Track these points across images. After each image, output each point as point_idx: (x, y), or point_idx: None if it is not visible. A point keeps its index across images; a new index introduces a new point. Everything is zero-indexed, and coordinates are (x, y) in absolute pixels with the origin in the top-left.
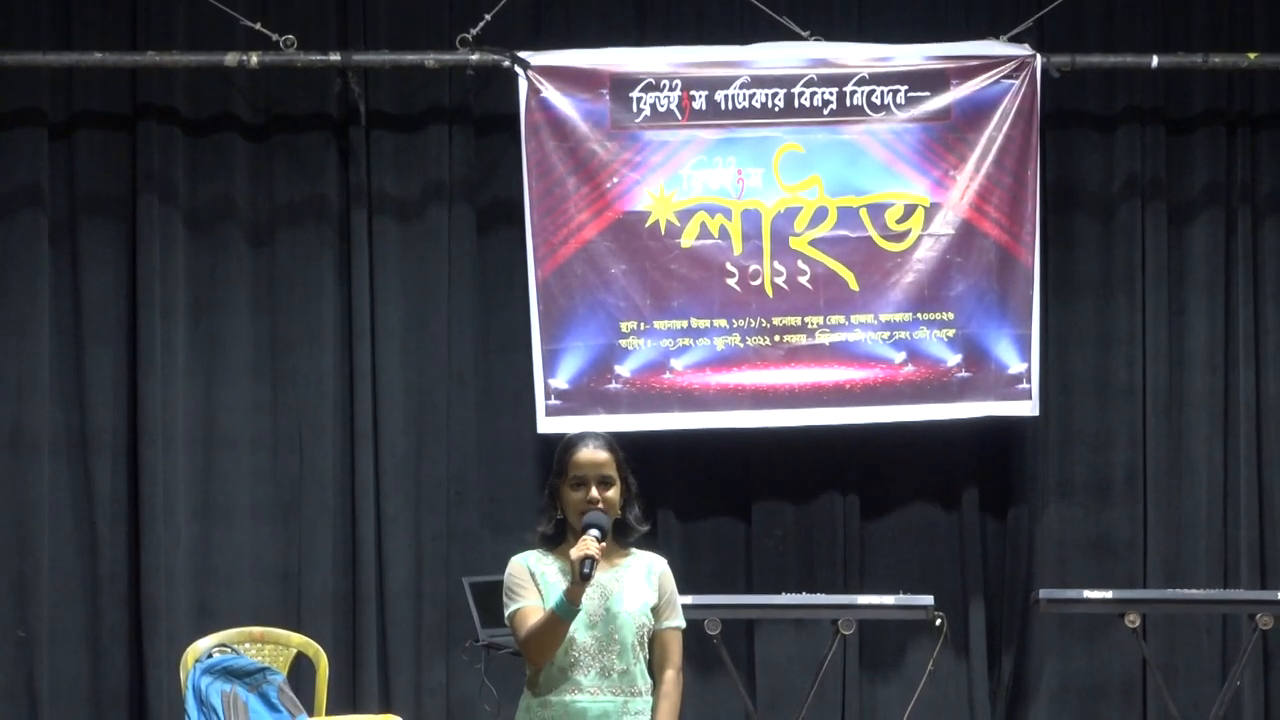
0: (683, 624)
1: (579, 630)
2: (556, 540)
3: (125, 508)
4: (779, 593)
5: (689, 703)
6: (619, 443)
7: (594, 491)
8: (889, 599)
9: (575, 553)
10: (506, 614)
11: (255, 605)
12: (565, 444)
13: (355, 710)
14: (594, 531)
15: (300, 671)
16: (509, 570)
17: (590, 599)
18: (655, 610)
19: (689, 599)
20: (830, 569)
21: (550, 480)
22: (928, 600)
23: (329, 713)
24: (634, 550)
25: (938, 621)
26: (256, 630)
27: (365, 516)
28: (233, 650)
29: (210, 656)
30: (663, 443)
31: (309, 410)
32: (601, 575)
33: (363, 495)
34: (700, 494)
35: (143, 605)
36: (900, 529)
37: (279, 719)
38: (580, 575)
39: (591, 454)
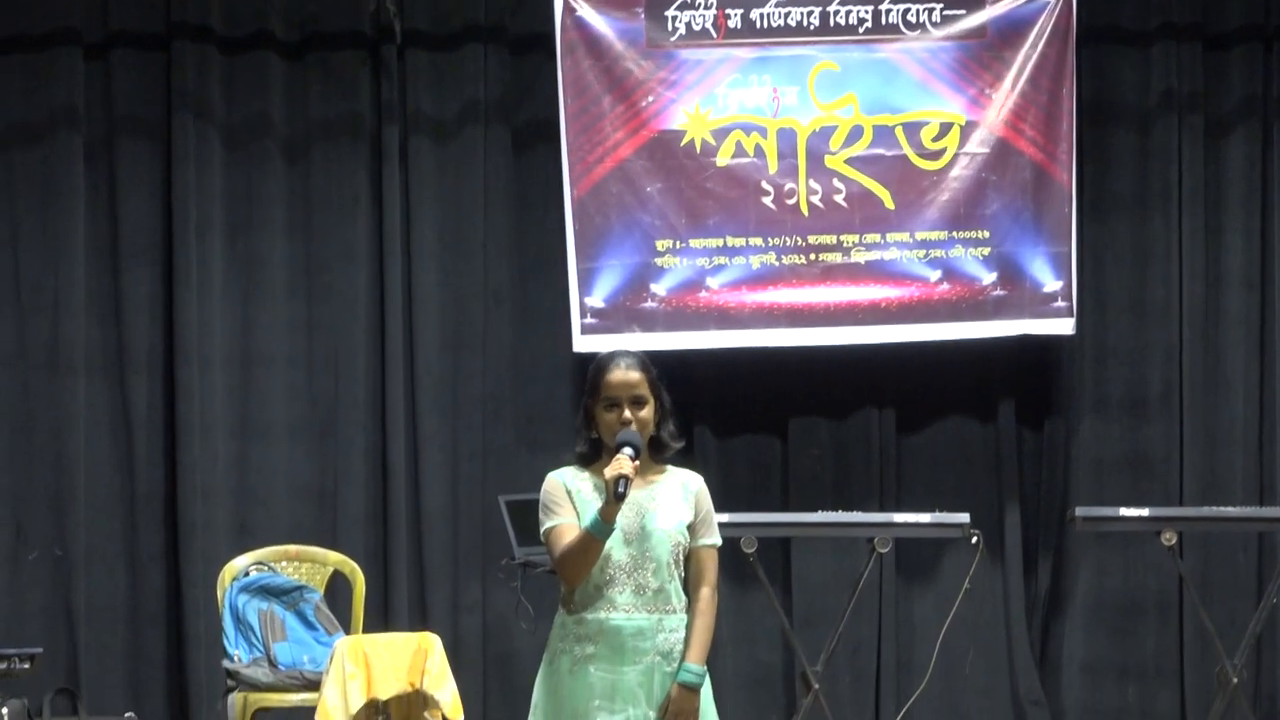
0: (718, 542)
1: (614, 548)
2: (592, 458)
3: (162, 427)
4: (815, 510)
5: (724, 620)
6: (652, 361)
7: (626, 412)
8: (925, 517)
9: (609, 472)
10: (542, 530)
11: (291, 524)
12: (597, 365)
13: (391, 628)
14: (627, 450)
15: (336, 589)
16: (545, 487)
17: (625, 516)
18: (691, 528)
19: (725, 517)
20: (866, 486)
21: (584, 400)
22: (964, 518)
23: (366, 630)
24: (670, 467)
25: (974, 539)
26: (293, 548)
27: (400, 435)
28: (269, 568)
29: (247, 575)
30: (698, 361)
31: (344, 329)
32: (637, 492)
33: (397, 414)
34: (736, 411)
35: (179, 524)
36: (936, 445)
37: (316, 636)
38: (614, 494)
39: (623, 375)
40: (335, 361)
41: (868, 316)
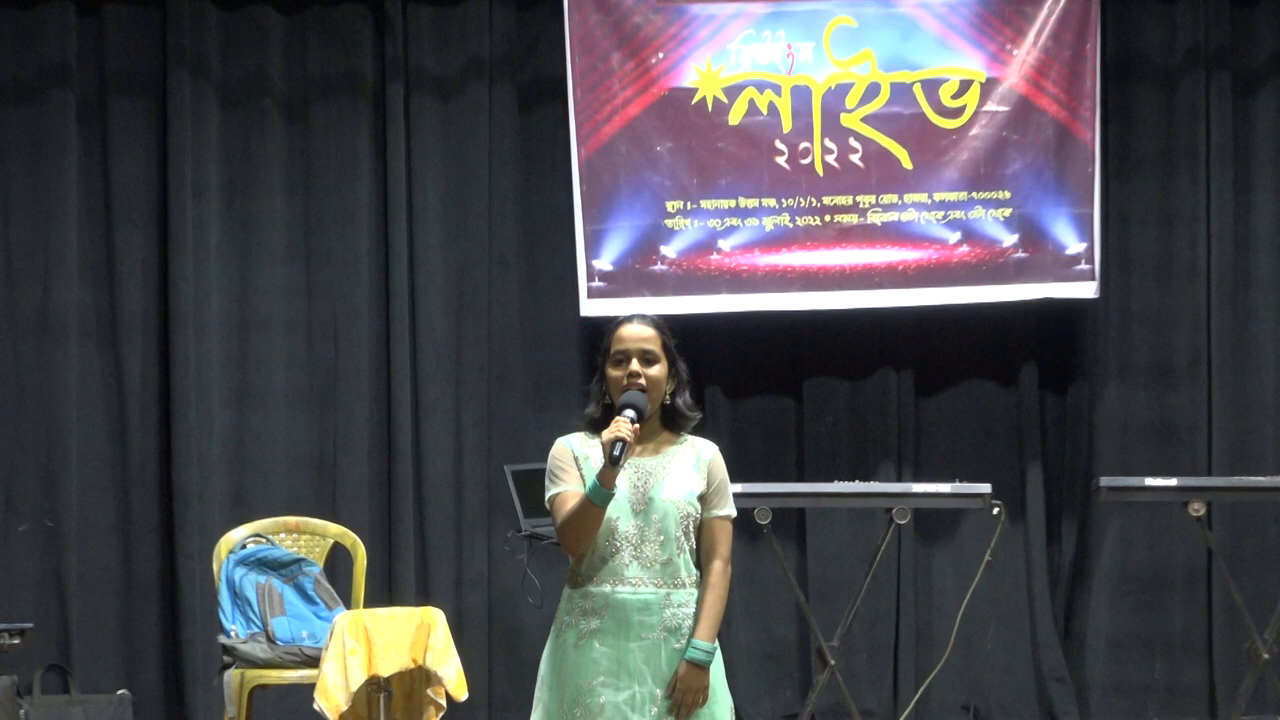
0: (732, 513)
1: (621, 518)
2: (603, 423)
3: (156, 393)
4: (831, 479)
5: (736, 594)
6: (666, 322)
7: (635, 364)
8: (945, 487)
9: (607, 434)
10: (547, 497)
11: (290, 494)
12: (612, 325)
13: (393, 602)
14: (628, 412)
15: (337, 562)
16: (552, 452)
17: (633, 486)
18: (703, 498)
19: (738, 487)
20: (884, 453)
21: (598, 364)
22: (985, 488)
23: (367, 604)
24: (686, 437)
25: (995, 509)
26: (292, 520)
27: (403, 403)
28: (267, 540)
29: (244, 547)
30: (710, 325)
31: (344, 293)
32: (647, 461)
33: (400, 381)
34: (750, 374)
35: (174, 494)
36: (956, 412)
37: (315, 611)
38: (610, 458)
39: (635, 329)
40: (335, 327)
41: (885, 280)
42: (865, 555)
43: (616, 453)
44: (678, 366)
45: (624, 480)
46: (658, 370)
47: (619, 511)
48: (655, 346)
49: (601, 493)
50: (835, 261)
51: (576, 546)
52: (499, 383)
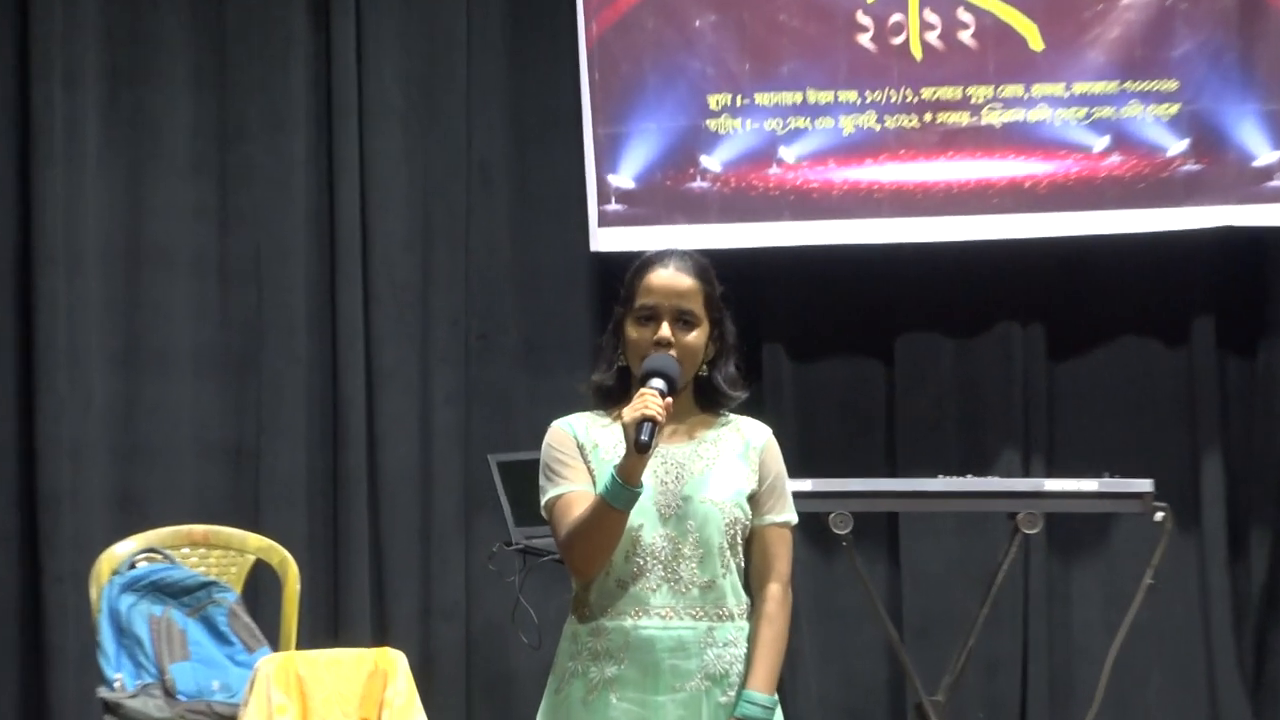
0: (794, 519)
1: (645, 527)
2: (618, 396)
3: (13, 355)
4: (933, 474)
5: (803, 629)
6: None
7: (665, 329)
8: (1089, 484)
9: (629, 413)
10: (544, 501)
11: (197, 494)
12: (639, 263)
13: (339, 641)
14: (656, 382)
15: (261, 587)
16: (548, 439)
17: (661, 482)
18: (754, 500)
19: (805, 484)
20: (1005, 437)
21: (615, 310)
22: (1145, 485)
23: (303, 643)
24: (729, 416)
25: (1159, 515)
26: (199, 529)
27: (352, 369)
28: (165, 558)
29: (133, 567)
30: (768, 263)
31: (272, 220)
32: (679, 449)
33: (348, 340)
34: (822, 328)
35: (38, 494)
36: (1105, 380)
37: (231, 653)
38: (636, 444)
39: (670, 277)
40: (259, 265)
41: (1007, 201)
42: (981, 577)
43: (645, 436)
44: (724, 328)
45: (649, 476)
46: (695, 336)
47: (642, 517)
48: (696, 305)
49: (625, 492)
50: (938, 177)
51: (588, 567)
52: (480, 343)
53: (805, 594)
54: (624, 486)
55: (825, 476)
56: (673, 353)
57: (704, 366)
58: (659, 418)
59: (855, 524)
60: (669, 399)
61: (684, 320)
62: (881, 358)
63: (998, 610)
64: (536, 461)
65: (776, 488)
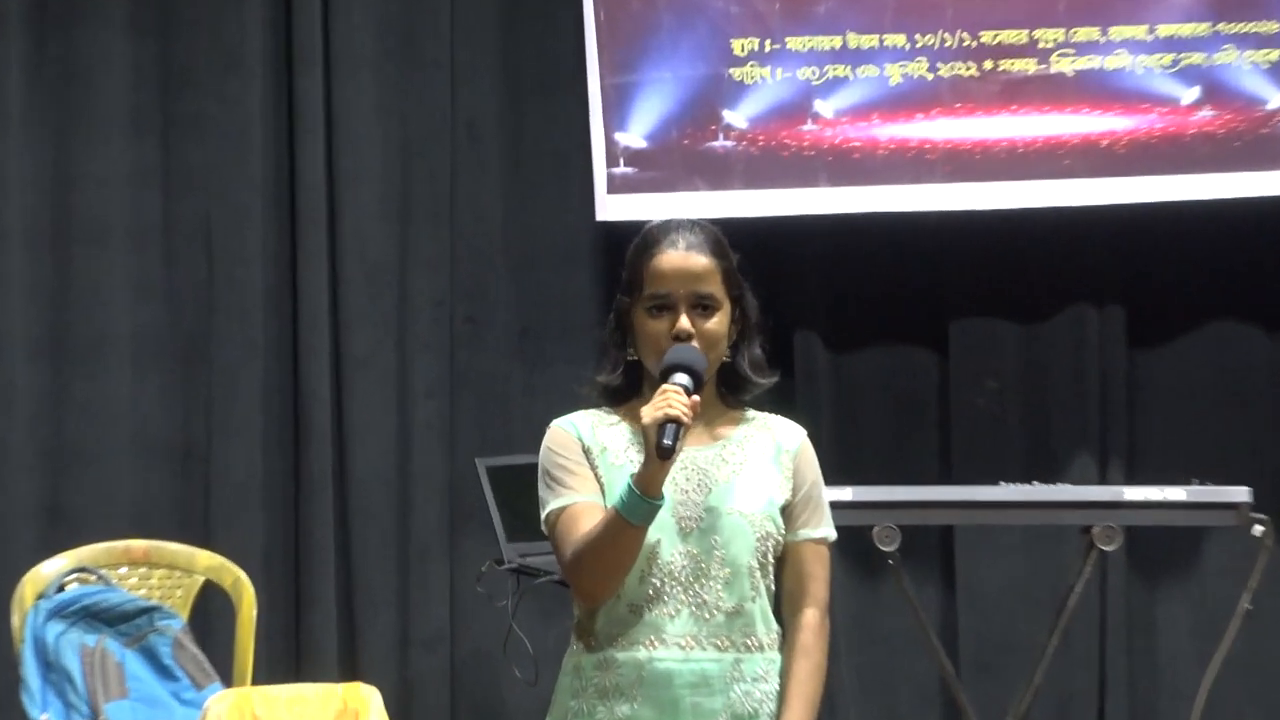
0: (832, 534)
1: (663, 542)
2: (625, 394)
3: None
4: (994, 481)
5: (842, 660)
6: (731, 238)
7: (684, 320)
8: (1177, 492)
9: (649, 413)
10: (544, 514)
11: (137, 505)
12: (641, 242)
13: (301, 675)
14: (680, 378)
15: (211, 613)
16: (548, 442)
17: (680, 490)
18: (787, 512)
19: (845, 492)
20: (1078, 438)
21: (617, 300)
22: (1242, 494)
23: (260, 678)
24: (752, 414)
25: (1257, 529)
26: (139, 546)
27: (317, 358)
28: (99, 579)
29: (62, 590)
30: (802, 235)
31: (224, 184)
32: (701, 454)
33: (313, 324)
34: (864, 312)
35: None
36: (1194, 372)
37: (176, 690)
38: (658, 449)
39: (681, 258)
40: (209, 237)
41: (1080, 163)
42: (1050, 601)
43: (669, 440)
44: (745, 306)
45: (667, 483)
46: (717, 321)
47: (659, 532)
48: (714, 286)
49: (644, 505)
50: (1000, 134)
51: (599, 591)
52: (468, 327)
53: (845, 621)
54: (643, 498)
55: (868, 484)
56: (694, 343)
57: (727, 350)
58: (685, 418)
59: (903, 539)
60: (695, 397)
61: (702, 304)
62: (933, 346)
63: (1069, 640)
64: (533, 466)
65: (812, 498)
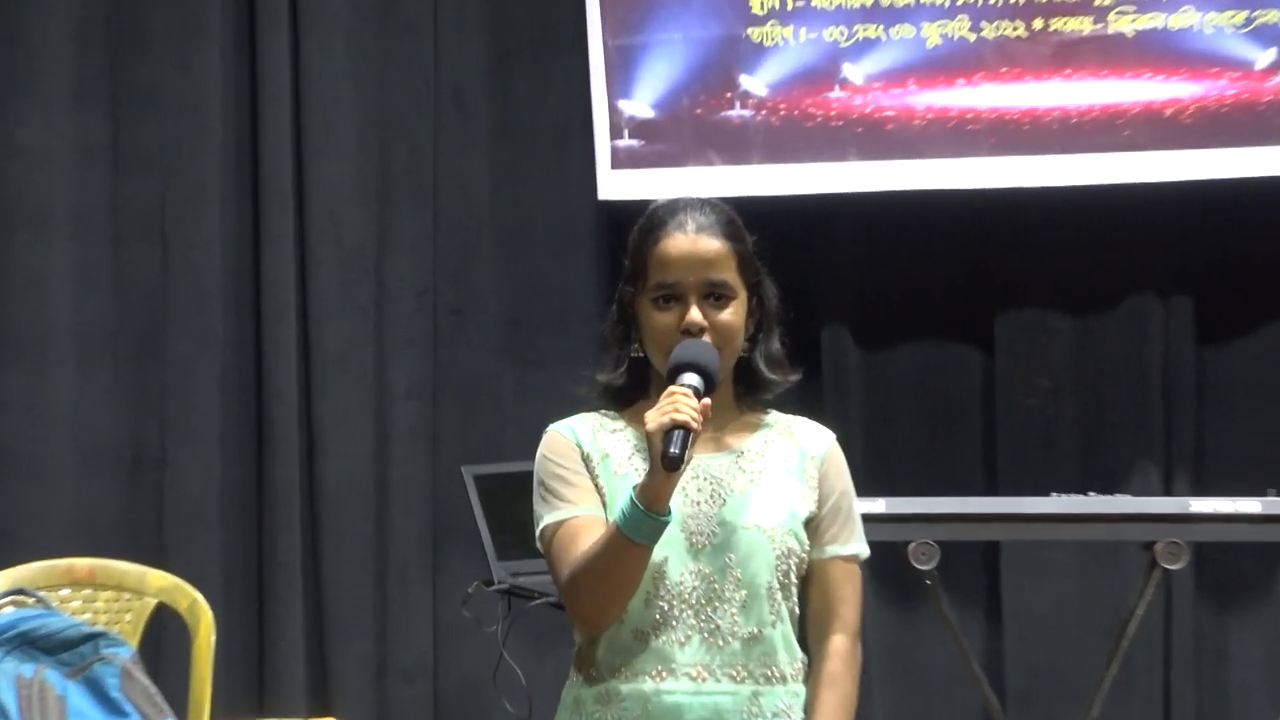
0: (864, 551)
1: (671, 562)
2: (630, 395)
3: None
4: (1045, 492)
5: (874, 693)
6: (746, 218)
7: (694, 312)
8: (1250, 504)
9: (654, 418)
10: (538, 530)
11: (82, 517)
12: (645, 224)
13: (265, 710)
14: (689, 378)
15: (165, 638)
16: (544, 449)
17: (691, 502)
18: (813, 526)
19: (877, 503)
20: (1141, 445)
21: (619, 289)
22: None
23: (219, 713)
24: (774, 416)
25: None
26: (83, 564)
27: (283, 353)
28: (39, 602)
29: None
30: (828, 216)
31: (180, 161)
32: (715, 461)
33: (278, 316)
34: (899, 303)
35: None
36: (1270, 369)
37: None
38: (665, 459)
39: (691, 242)
40: (163, 220)
41: (1141, 133)
42: (1107, 626)
43: (677, 449)
44: (763, 295)
45: (676, 494)
46: (732, 313)
47: (667, 549)
48: (729, 273)
49: (649, 521)
50: (1052, 102)
51: (599, 616)
52: (453, 320)
53: (877, 649)
54: (647, 514)
55: (903, 495)
56: (706, 338)
57: (744, 344)
58: (694, 424)
59: (942, 557)
60: (706, 400)
61: (714, 292)
62: (977, 342)
63: (1130, 670)
64: (525, 475)
65: (841, 509)
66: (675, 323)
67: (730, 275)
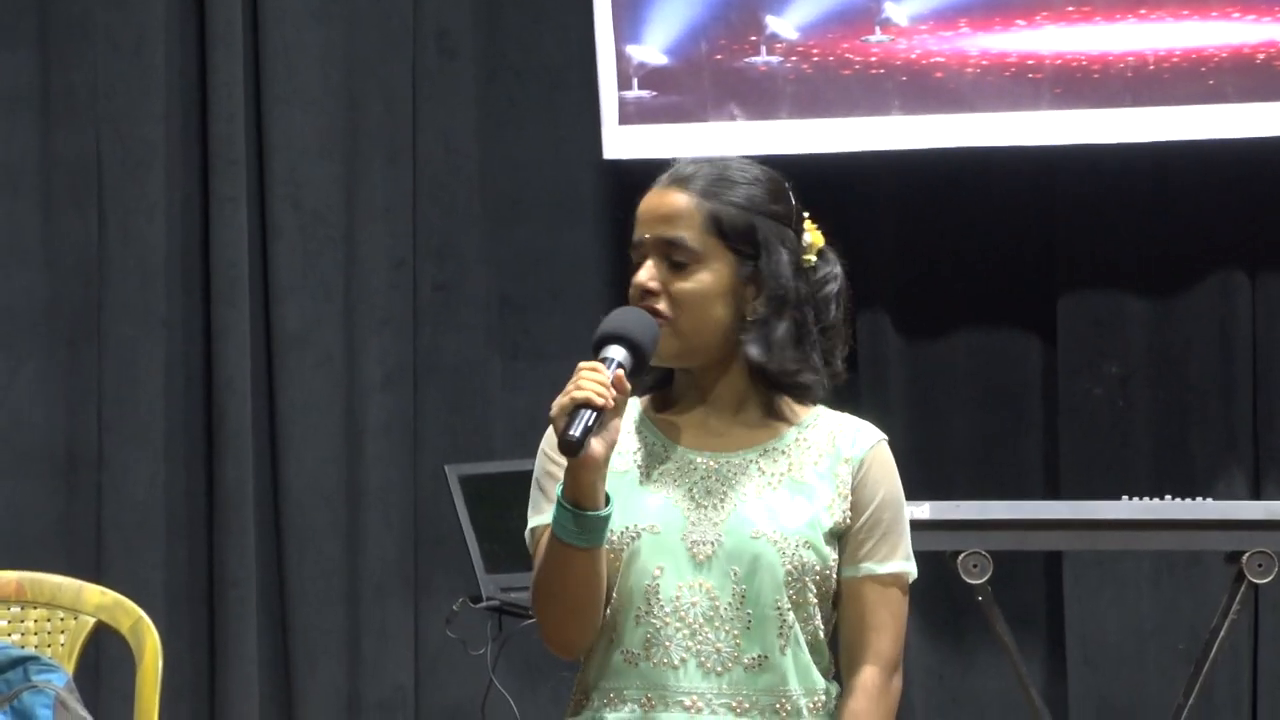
0: (910, 570)
1: (665, 574)
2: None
3: None
4: (1116, 496)
5: None
6: (775, 173)
7: (641, 272)
8: None
9: (559, 401)
10: (527, 531)
11: (9, 525)
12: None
13: None
14: (612, 350)
15: (104, 662)
16: (543, 444)
17: (692, 504)
18: (848, 540)
19: (922, 509)
20: (1223, 446)
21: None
22: None
23: None
24: (815, 413)
25: None
26: (9, 579)
27: (236, 337)
28: None
29: None
30: (866, 181)
31: (117, 109)
32: (722, 461)
33: (230, 293)
34: (946, 287)
35: None
36: None
37: None
38: (561, 442)
39: (657, 196)
40: (100, 181)
41: (1226, 83)
42: (1187, 646)
43: (576, 433)
44: (770, 268)
45: (675, 495)
46: (694, 280)
47: (663, 559)
48: (688, 231)
49: (580, 519)
50: (1124, 47)
51: (558, 635)
52: (437, 297)
53: (920, 675)
54: (575, 511)
55: (951, 499)
56: (662, 305)
57: (731, 325)
58: (597, 400)
59: (997, 569)
60: (619, 372)
61: (671, 254)
62: (1037, 327)
63: (1211, 696)
64: (516, 476)
65: (881, 522)
66: (639, 288)
67: (690, 234)
